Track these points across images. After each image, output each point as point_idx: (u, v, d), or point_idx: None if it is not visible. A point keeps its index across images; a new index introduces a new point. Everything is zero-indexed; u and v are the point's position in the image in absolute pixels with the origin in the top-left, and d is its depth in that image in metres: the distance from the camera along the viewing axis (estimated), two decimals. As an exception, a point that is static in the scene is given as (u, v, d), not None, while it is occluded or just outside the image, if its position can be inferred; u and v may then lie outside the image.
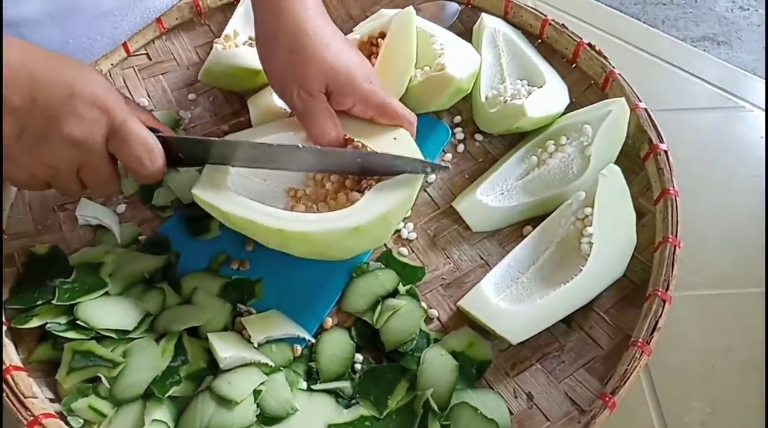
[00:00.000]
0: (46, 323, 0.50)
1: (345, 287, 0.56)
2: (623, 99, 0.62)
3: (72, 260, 0.56)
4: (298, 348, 0.53)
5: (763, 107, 0.72)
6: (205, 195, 0.52)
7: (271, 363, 0.50)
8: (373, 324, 0.53)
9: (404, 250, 0.59)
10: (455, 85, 0.63)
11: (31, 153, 0.47)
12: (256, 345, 0.51)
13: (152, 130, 0.51)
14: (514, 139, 0.66)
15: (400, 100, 0.65)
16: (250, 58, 0.66)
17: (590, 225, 0.55)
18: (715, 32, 2.05)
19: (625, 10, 2.06)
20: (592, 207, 0.56)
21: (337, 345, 0.53)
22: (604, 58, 0.67)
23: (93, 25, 0.68)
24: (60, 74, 0.46)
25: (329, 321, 0.55)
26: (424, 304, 0.56)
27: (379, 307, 0.54)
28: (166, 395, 0.48)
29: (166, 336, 0.51)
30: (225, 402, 0.47)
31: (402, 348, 0.52)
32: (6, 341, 0.49)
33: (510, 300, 0.54)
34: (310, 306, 0.56)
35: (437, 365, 0.50)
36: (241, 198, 0.52)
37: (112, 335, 0.50)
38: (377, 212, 0.50)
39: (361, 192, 0.55)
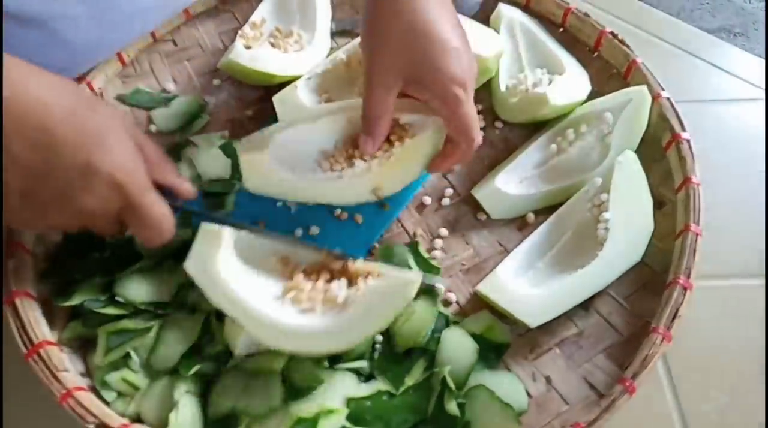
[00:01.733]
0: (84, 301, 0.52)
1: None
2: (644, 87, 0.62)
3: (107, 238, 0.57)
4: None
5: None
6: (196, 273, 0.50)
7: None
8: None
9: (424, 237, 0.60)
10: (482, 64, 0.63)
11: (34, 213, 0.45)
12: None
13: (168, 192, 0.51)
14: (534, 128, 0.66)
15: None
16: (268, 61, 0.67)
17: (606, 211, 0.56)
18: (732, 23, 2.03)
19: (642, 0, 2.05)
20: (609, 193, 0.57)
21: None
22: (627, 46, 0.67)
23: (126, 22, 0.70)
24: (78, 140, 0.44)
25: None
26: (441, 286, 0.56)
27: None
28: (190, 373, 0.49)
29: (196, 312, 0.52)
30: (253, 379, 0.49)
31: (413, 346, 0.52)
32: (39, 317, 0.51)
33: (528, 285, 0.55)
34: None
35: (457, 345, 0.51)
36: (230, 286, 0.49)
37: (150, 308, 0.52)
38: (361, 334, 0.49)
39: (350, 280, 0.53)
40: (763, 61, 0.76)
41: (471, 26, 0.68)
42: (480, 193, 0.61)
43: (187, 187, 0.53)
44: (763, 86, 0.73)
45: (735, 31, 2.00)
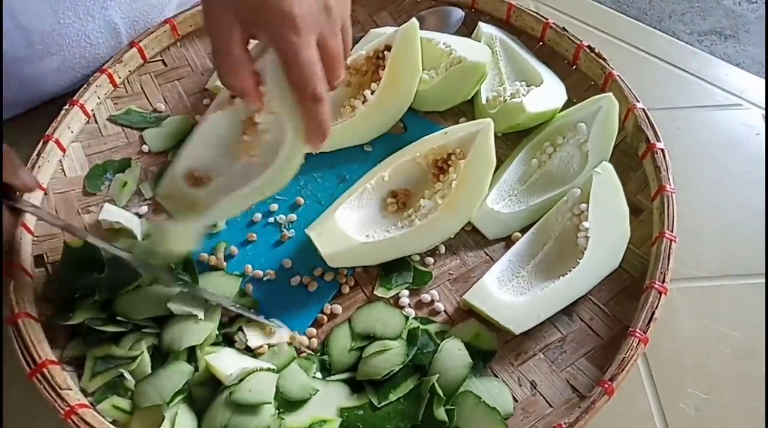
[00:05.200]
0: (85, 319, 0.53)
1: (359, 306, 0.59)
2: (611, 94, 0.65)
3: (103, 254, 0.58)
4: (305, 339, 0.56)
5: (759, 104, 0.74)
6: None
7: (273, 367, 0.53)
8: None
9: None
10: (480, 70, 0.66)
11: None
12: (252, 347, 0.54)
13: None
14: (516, 139, 0.68)
15: (415, 102, 0.69)
16: None
17: (586, 221, 0.58)
18: (723, 26, 2.05)
19: (631, 4, 2.08)
20: (587, 203, 0.59)
21: (347, 339, 0.56)
22: (604, 59, 0.69)
23: (81, 6, 0.68)
24: None
25: (325, 318, 0.58)
26: (433, 292, 0.59)
27: (369, 348, 0.55)
28: (171, 405, 0.50)
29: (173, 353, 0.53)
30: (244, 407, 0.50)
31: (374, 379, 0.53)
32: (41, 337, 0.52)
33: (512, 293, 0.57)
34: (303, 306, 0.59)
35: (452, 357, 0.53)
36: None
37: (151, 324, 0.54)
38: None
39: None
40: (741, 70, 0.78)
41: (460, 40, 0.70)
42: (475, 216, 0.62)
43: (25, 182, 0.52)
44: (738, 93, 0.76)
45: (726, 33, 2.03)
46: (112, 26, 0.72)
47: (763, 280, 0.61)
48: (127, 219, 0.62)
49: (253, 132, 0.53)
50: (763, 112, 0.74)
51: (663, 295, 0.54)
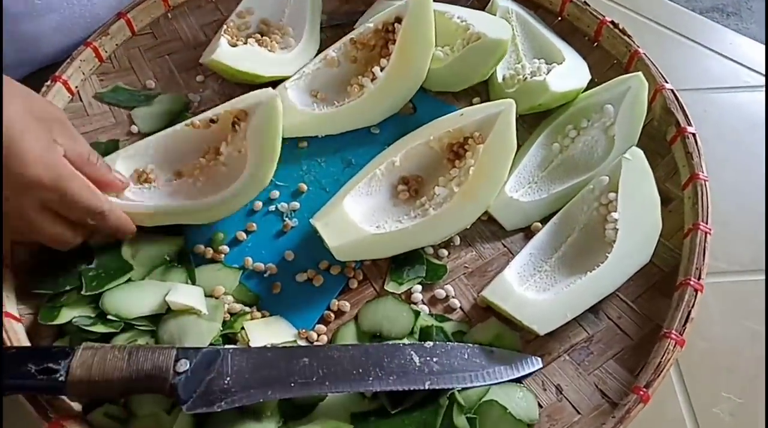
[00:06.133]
0: (72, 318, 0.49)
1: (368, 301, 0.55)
2: (640, 73, 0.60)
3: (92, 244, 0.54)
4: (313, 336, 0.52)
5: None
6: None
7: None
8: None
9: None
10: (502, 48, 0.61)
11: None
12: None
13: None
14: (534, 121, 0.64)
15: (427, 81, 0.64)
16: (253, 61, 0.64)
17: (614, 211, 0.54)
18: (725, 3, 2.01)
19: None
20: (616, 192, 0.55)
21: (353, 338, 0.52)
22: (628, 36, 0.65)
23: None
24: None
25: (332, 315, 0.54)
26: (448, 288, 0.55)
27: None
28: (171, 412, 0.47)
29: None
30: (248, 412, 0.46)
31: None
32: (23, 338, 0.48)
33: (535, 290, 0.53)
34: (308, 302, 0.55)
35: None
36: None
37: (145, 323, 0.50)
38: None
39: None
40: (762, 45, 0.74)
41: (477, 14, 0.65)
42: (492, 205, 0.58)
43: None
44: (763, 72, 0.71)
45: (728, 10, 1.99)
46: (92, 1, 0.67)
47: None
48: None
49: (212, 159, 0.58)
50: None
51: (699, 293, 0.50)
